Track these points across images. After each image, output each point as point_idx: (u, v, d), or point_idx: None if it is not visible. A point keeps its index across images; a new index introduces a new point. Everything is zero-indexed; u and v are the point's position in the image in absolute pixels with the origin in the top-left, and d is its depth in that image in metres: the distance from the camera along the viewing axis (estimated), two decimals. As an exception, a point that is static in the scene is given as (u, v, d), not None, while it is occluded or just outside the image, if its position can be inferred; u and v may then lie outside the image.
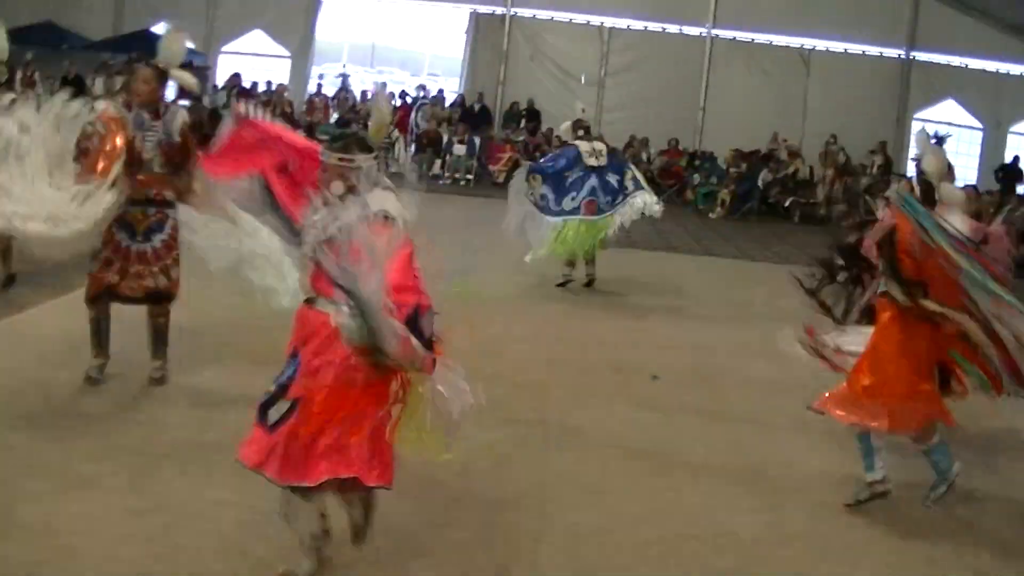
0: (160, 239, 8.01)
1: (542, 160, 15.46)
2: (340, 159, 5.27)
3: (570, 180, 13.64)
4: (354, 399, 5.15)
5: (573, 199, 13.57)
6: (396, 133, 27.26)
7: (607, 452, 7.71)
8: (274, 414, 5.25)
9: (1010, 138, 29.59)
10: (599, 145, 14.17)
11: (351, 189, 5.20)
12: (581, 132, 14.21)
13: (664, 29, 29.66)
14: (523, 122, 28.17)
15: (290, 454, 5.19)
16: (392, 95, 29.70)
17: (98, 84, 27.21)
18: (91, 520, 5.78)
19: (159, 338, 8.28)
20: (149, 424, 7.37)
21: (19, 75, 15.58)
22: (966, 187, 9.83)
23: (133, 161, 7.70)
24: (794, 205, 25.55)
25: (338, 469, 5.12)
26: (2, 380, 7.93)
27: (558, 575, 5.85)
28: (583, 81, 29.11)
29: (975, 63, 29.13)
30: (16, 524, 5.68)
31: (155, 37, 24.80)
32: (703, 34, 29.67)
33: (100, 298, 8.03)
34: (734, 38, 29.66)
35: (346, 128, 28.08)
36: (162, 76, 8.16)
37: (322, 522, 5.47)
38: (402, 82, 31.90)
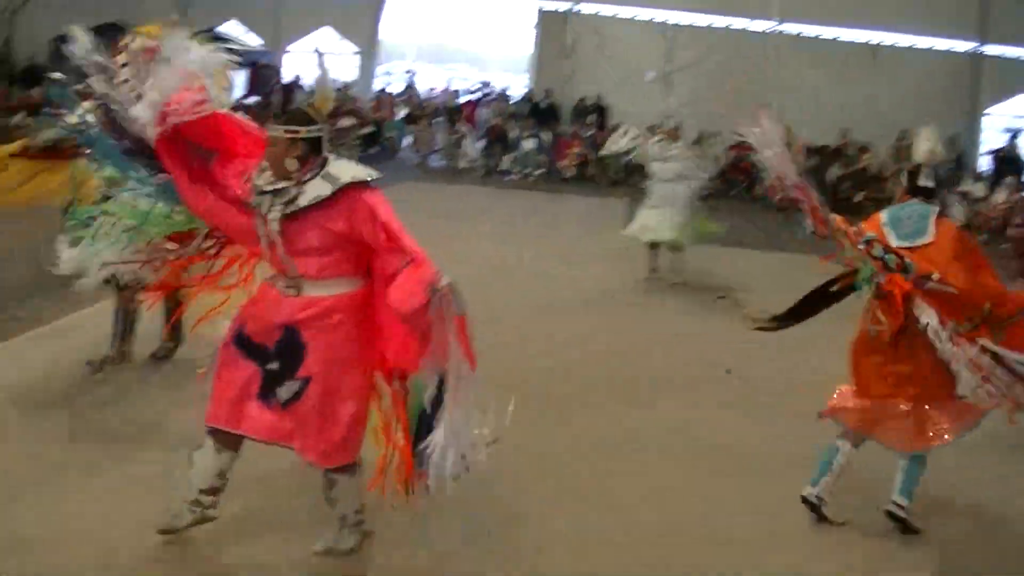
0: None
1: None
2: (286, 130, 5.35)
3: None
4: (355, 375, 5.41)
5: None
6: (464, 127, 27.40)
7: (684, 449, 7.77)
8: (285, 393, 5.40)
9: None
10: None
11: (303, 161, 5.31)
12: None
13: (729, 25, 29.57)
14: (590, 117, 28.15)
15: (322, 434, 5.37)
16: (457, 92, 29.91)
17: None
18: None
19: None
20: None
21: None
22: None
23: None
24: (866, 200, 25.29)
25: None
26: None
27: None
28: (649, 77, 29.05)
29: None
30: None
31: (221, 36, 25.30)
32: (768, 29, 29.53)
33: None
34: (799, 33, 29.49)
35: (412, 124, 28.36)
36: None
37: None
38: (468, 79, 32.05)
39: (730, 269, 15.48)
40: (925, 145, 7.11)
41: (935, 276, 6.16)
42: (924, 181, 6.71)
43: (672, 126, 14.56)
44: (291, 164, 5.30)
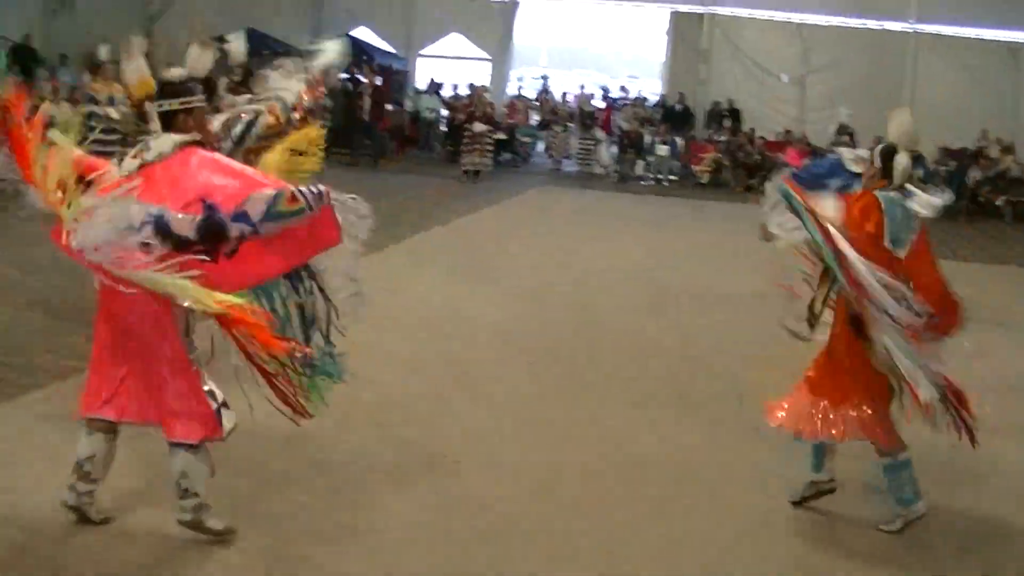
0: None
1: (802, 167, 15.49)
2: (182, 103, 5.60)
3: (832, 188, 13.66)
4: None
5: None
6: (600, 134, 27.46)
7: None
8: None
9: None
10: (863, 152, 14.14)
11: (226, 123, 5.42)
12: (845, 138, 14.13)
13: (865, 25, 29.18)
14: (725, 121, 28.01)
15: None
16: (591, 97, 29.94)
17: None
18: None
19: None
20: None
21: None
22: None
23: None
24: (1007, 204, 24.75)
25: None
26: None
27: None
28: (784, 79, 28.86)
29: None
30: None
31: (356, 41, 25.70)
32: (906, 29, 29.07)
33: None
34: (938, 33, 28.98)
35: (545, 129, 28.49)
36: None
37: None
38: (603, 84, 32.08)
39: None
40: (899, 125, 6.59)
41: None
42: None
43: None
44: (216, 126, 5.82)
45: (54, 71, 25.20)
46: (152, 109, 5.89)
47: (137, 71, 8.43)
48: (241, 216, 5.10)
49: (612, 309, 11.88)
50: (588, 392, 8.82)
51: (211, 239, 5.09)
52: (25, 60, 24.68)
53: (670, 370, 9.63)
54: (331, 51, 8.12)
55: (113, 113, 13.80)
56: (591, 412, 8.29)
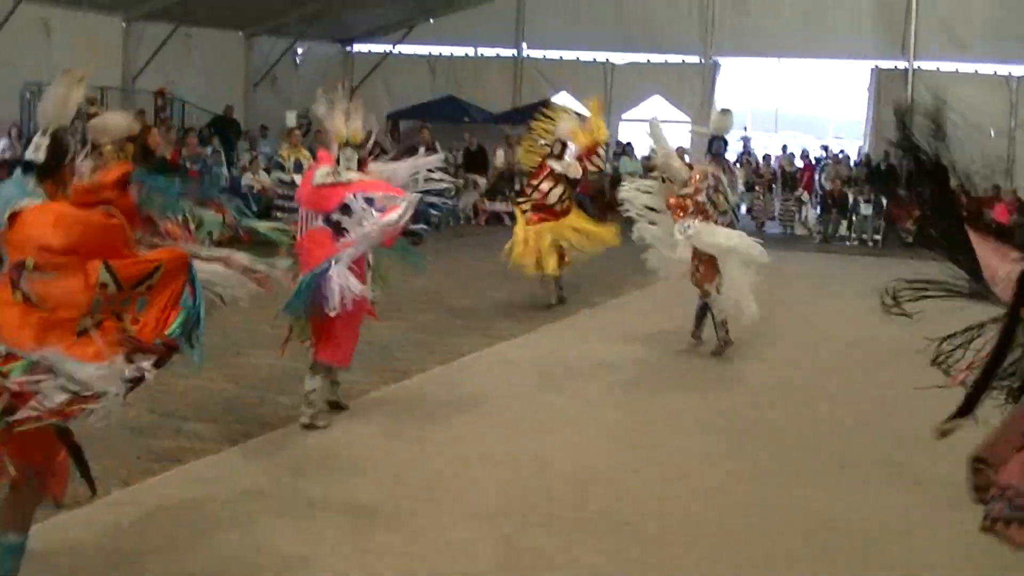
0: None
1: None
2: None
3: None
4: None
5: None
6: (804, 194, 27.21)
7: None
8: None
9: None
10: None
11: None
12: None
13: (1077, 73, 28.31)
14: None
15: None
16: (792, 156, 29.69)
17: (500, 155, 28.82)
18: None
19: None
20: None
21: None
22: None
23: None
24: None
25: None
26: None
27: None
28: (992, 134, 28.13)
29: None
30: None
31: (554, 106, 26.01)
32: (1124, 76, 28.11)
33: None
34: None
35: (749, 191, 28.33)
36: None
37: None
38: (805, 145, 31.76)
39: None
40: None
41: None
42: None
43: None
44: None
45: (254, 142, 26.16)
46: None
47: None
48: None
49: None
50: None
51: None
52: (225, 132, 25.63)
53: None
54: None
55: (297, 179, 14.62)
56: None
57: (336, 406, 9.35)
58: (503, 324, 13.95)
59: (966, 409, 5.10)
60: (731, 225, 12.60)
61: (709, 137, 12.86)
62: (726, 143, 13.34)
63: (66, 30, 23.52)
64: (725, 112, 13.48)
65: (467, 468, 8.05)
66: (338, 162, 8.89)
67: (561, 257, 15.03)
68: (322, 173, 8.94)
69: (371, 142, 9.42)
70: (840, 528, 7.18)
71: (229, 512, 6.90)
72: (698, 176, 12.14)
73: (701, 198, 12.02)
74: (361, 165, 9.08)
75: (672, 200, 12.18)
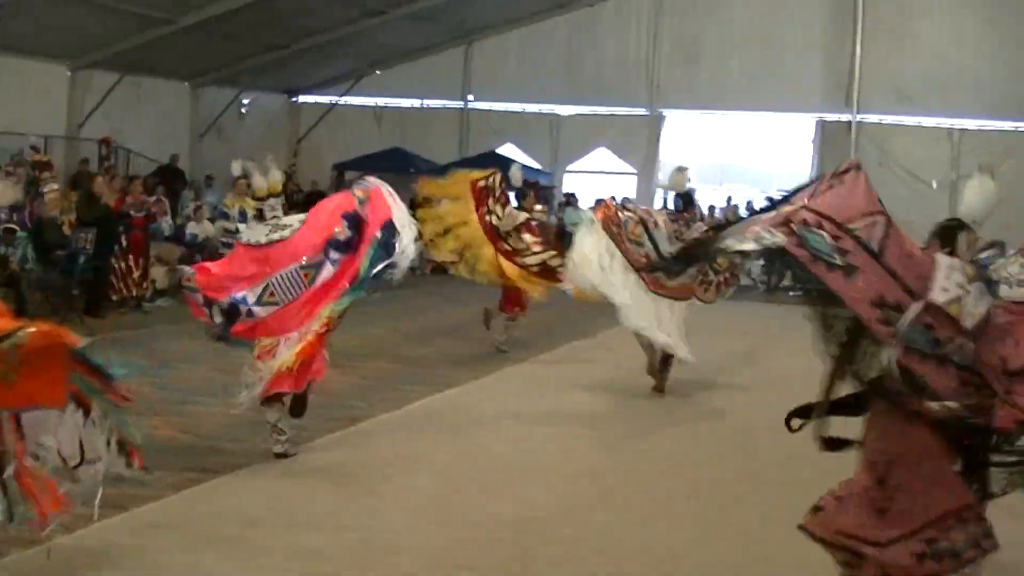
0: None
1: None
2: None
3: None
4: None
5: None
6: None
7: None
8: None
9: None
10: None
11: None
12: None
13: (1018, 128, 28.64)
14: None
15: None
16: (737, 208, 29.91)
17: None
18: None
19: None
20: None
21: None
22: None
23: None
24: None
25: None
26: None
27: None
28: (934, 186, 28.42)
29: None
30: None
31: (501, 158, 26.06)
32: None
33: None
34: (1096, 135, 28.29)
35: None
36: None
37: None
38: (749, 197, 31.96)
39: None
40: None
41: None
42: None
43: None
44: None
45: (199, 192, 26.05)
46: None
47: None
48: None
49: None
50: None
51: None
52: (171, 181, 25.45)
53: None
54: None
55: (242, 227, 14.84)
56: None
57: (282, 455, 9.24)
58: (452, 372, 13.88)
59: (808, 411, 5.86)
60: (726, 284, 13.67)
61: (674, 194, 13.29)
62: (686, 199, 13.72)
63: (11, 77, 23.34)
64: (681, 170, 13.77)
65: (416, 517, 7.96)
66: (262, 214, 9.35)
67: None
68: (258, 234, 9.10)
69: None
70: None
71: (174, 559, 6.78)
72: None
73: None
74: None
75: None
